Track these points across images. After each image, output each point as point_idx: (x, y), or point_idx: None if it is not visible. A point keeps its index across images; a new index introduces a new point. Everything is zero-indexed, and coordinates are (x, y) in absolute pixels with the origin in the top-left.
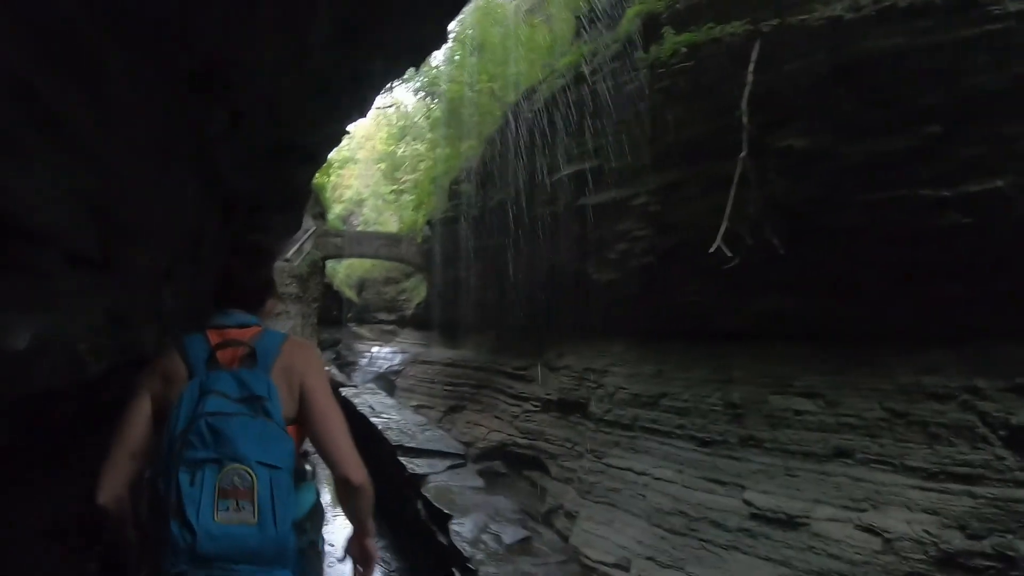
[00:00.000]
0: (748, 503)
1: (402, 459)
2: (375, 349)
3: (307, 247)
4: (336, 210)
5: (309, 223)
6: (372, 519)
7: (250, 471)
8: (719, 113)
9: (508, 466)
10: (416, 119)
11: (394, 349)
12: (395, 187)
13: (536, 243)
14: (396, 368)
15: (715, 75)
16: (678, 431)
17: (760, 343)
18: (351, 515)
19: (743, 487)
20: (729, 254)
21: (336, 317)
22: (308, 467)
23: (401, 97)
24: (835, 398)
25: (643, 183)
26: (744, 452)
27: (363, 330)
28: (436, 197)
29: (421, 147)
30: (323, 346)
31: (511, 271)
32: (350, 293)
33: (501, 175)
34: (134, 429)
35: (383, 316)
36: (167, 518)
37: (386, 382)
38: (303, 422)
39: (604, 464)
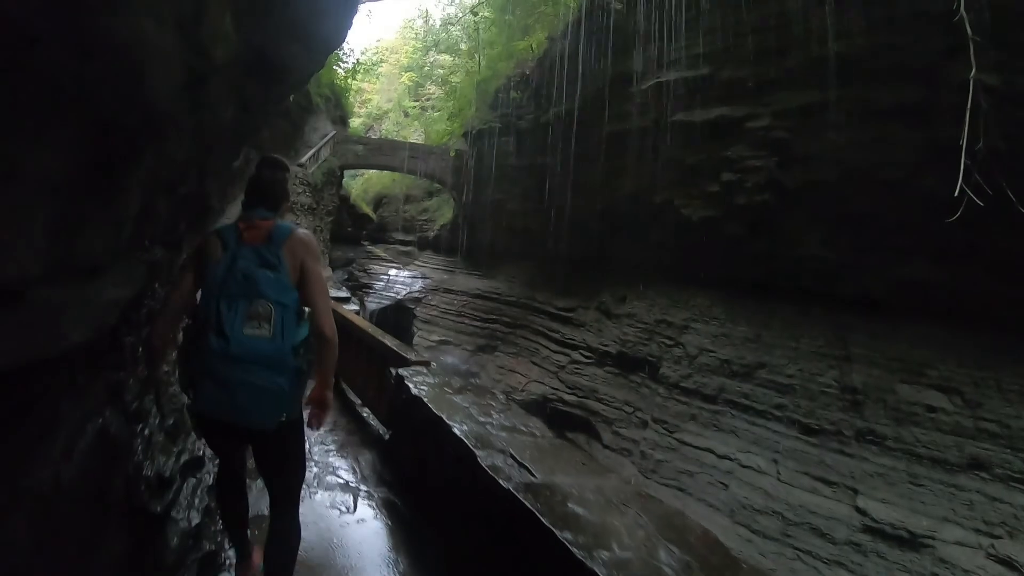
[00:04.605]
0: (861, 512)
1: None
2: (392, 272)
3: (324, 153)
4: (354, 124)
5: (328, 127)
6: (332, 375)
7: (270, 303)
8: (891, 23)
9: (549, 425)
10: (450, 28)
11: (413, 273)
12: (421, 101)
13: (603, 165)
14: (416, 295)
15: None
16: (776, 412)
17: (892, 317)
18: (319, 363)
19: (856, 491)
20: (979, 203)
21: (351, 234)
22: (306, 310)
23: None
24: (976, 397)
25: (767, 102)
26: (860, 449)
27: (379, 250)
28: (477, 106)
29: (457, 59)
30: (335, 265)
31: (564, 195)
32: (366, 209)
33: (565, 81)
34: (184, 289)
35: (401, 236)
36: (207, 334)
37: (404, 311)
38: (299, 288)
39: (675, 440)
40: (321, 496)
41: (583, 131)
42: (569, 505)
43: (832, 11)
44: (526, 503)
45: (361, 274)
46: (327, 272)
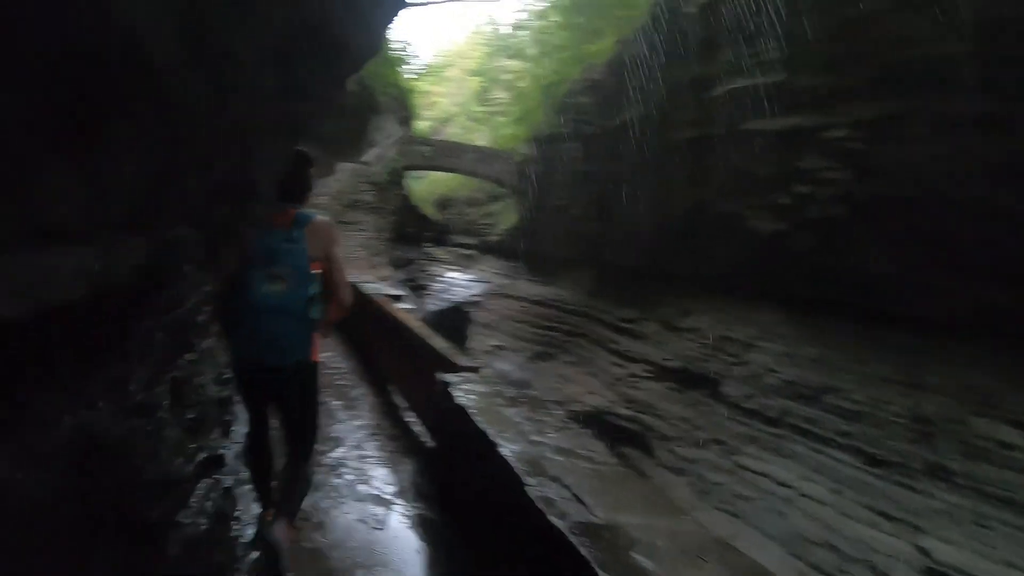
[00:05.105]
0: (924, 552)
1: None
2: (452, 275)
3: (389, 153)
4: (420, 126)
5: (393, 127)
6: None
7: (286, 268)
8: (977, 30)
9: (602, 439)
10: (518, 32)
11: (473, 277)
12: (489, 106)
13: (671, 173)
14: (474, 299)
15: None
16: (841, 439)
17: (969, 344)
18: (325, 314)
19: (919, 529)
20: None
21: (412, 235)
22: (315, 273)
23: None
24: None
25: (843, 111)
26: (927, 484)
27: (440, 252)
28: (544, 110)
29: (526, 63)
30: (396, 265)
31: (628, 203)
32: (429, 211)
33: (634, 87)
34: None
35: (462, 239)
36: (239, 294)
37: (461, 314)
38: (324, 267)
39: (733, 462)
40: (351, 507)
41: (651, 138)
42: (634, 554)
43: (910, 17)
44: (581, 549)
45: (421, 275)
46: (386, 272)
